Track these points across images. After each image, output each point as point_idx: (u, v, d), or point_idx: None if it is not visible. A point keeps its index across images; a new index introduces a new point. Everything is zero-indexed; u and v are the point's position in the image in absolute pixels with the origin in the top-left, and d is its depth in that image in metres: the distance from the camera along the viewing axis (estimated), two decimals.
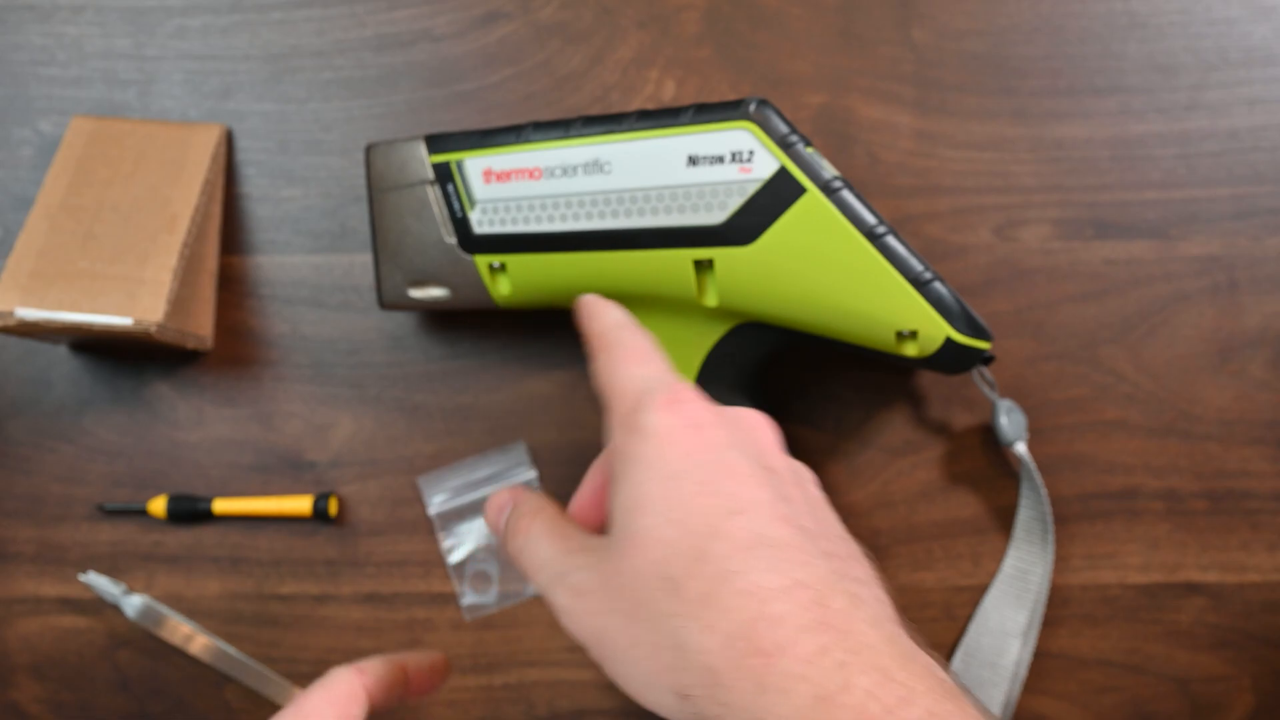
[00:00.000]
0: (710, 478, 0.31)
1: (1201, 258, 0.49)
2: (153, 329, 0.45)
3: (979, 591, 0.49)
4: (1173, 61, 0.50)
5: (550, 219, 0.44)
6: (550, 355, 0.50)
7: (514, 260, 0.45)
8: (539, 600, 0.50)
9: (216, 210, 0.50)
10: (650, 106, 0.51)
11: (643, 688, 0.31)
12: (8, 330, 0.45)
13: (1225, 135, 0.50)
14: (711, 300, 0.43)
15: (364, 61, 0.51)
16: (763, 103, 0.41)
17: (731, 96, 0.50)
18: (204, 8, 0.52)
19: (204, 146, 0.50)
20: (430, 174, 0.45)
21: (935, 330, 0.41)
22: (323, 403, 0.51)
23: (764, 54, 0.51)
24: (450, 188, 0.45)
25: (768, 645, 0.28)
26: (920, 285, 0.41)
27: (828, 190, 0.41)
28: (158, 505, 0.50)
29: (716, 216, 0.42)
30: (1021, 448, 0.47)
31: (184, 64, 0.52)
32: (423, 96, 0.51)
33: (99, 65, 0.52)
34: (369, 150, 0.46)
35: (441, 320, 0.51)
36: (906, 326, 0.41)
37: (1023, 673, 0.48)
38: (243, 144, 0.52)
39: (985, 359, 0.44)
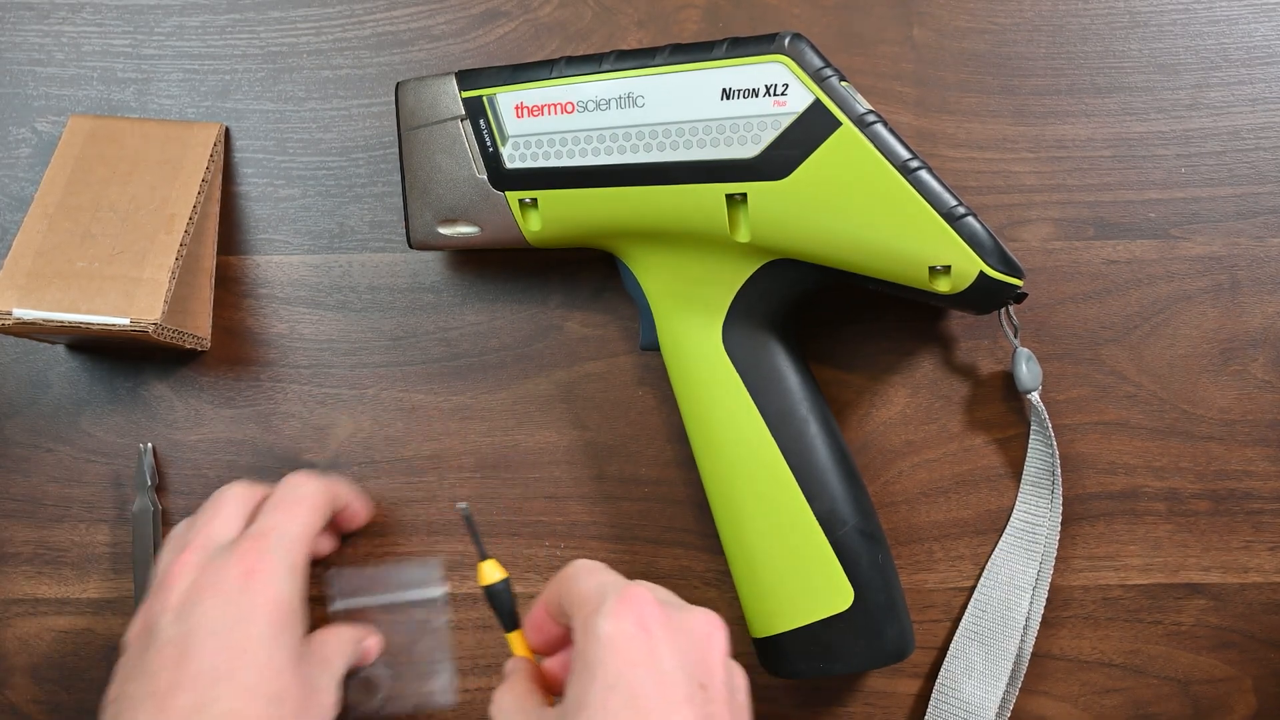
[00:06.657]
0: (641, 693, 0.34)
1: (1203, 257, 0.49)
2: (150, 329, 0.45)
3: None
4: (1174, 60, 0.50)
5: (583, 153, 0.43)
6: (550, 355, 0.50)
7: (546, 196, 0.44)
8: None
9: (214, 210, 0.50)
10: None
11: None
12: (5, 330, 0.45)
13: (1227, 134, 0.49)
14: (743, 236, 0.43)
15: (362, 60, 0.51)
16: (797, 36, 0.41)
17: None
18: (202, 7, 0.52)
19: (202, 146, 0.49)
20: (461, 109, 0.45)
21: (968, 265, 0.41)
22: (321, 403, 0.50)
23: None
24: (482, 123, 0.44)
25: None
26: (953, 220, 0.41)
27: (861, 124, 0.41)
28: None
29: (750, 150, 0.41)
30: (1035, 397, 0.47)
31: (182, 63, 0.52)
32: None
33: (97, 64, 0.52)
34: (399, 87, 0.46)
35: (440, 320, 0.50)
36: (939, 261, 0.41)
37: (1035, 624, 0.47)
38: (241, 143, 0.51)
39: (1017, 296, 0.43)
